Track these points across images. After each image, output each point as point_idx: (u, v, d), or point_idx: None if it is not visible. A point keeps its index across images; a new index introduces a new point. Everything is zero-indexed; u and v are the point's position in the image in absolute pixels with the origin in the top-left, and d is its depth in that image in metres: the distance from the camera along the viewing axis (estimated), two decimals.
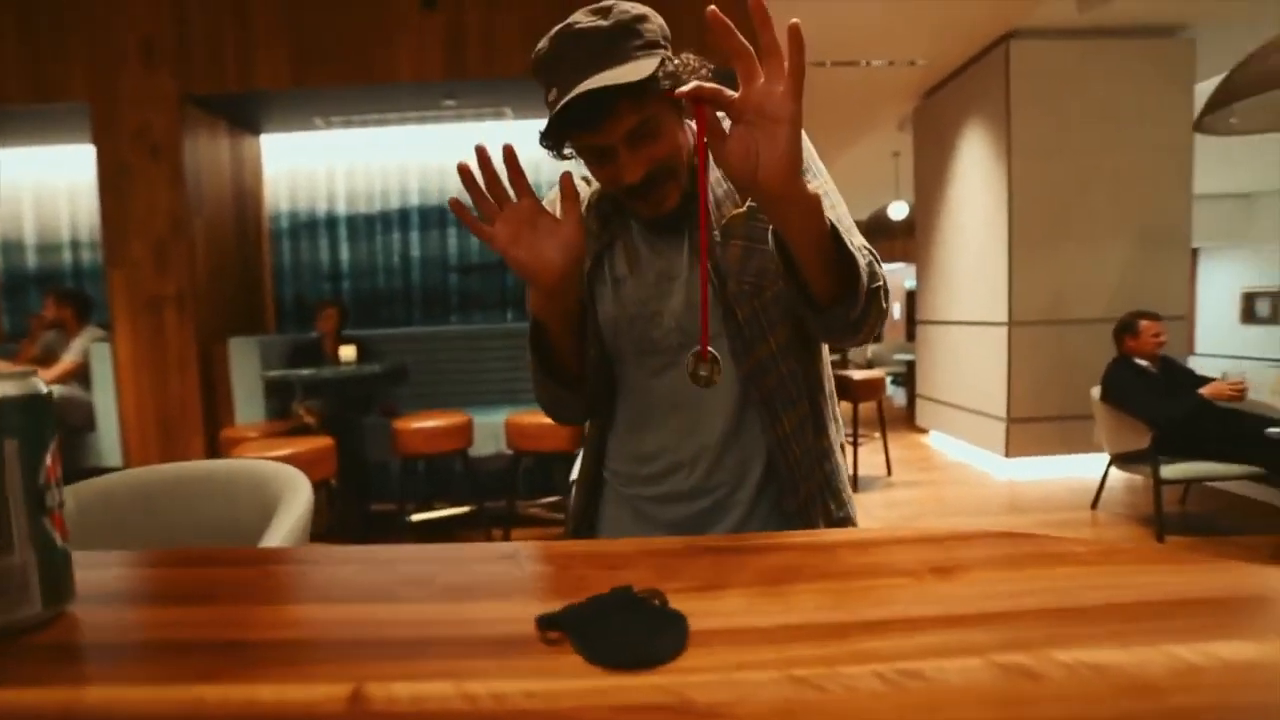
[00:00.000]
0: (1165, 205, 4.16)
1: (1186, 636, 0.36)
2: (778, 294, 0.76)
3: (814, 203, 0.60)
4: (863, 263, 0.65)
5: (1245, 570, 0.44)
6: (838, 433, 0.85)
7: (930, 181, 5.18)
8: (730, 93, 0.56)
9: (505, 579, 0.49)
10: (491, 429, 3.19)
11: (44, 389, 0.43)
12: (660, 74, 0.68)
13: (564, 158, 0.77)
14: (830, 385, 0.85)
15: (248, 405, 3.28)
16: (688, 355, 0.68)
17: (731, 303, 0.76)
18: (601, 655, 0.36)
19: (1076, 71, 4.06)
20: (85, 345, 3.40)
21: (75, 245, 4.06)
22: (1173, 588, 0.43)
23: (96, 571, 0.52)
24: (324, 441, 2.64)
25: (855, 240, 0.68)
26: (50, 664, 0.38)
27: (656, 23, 0.73)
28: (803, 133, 0.77)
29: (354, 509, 3.14)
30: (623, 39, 0.69)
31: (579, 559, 0.51)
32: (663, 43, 0.72)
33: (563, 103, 0.66)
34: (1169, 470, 2.92)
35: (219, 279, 3.56)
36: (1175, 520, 3.30)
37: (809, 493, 0.79)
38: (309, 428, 3.04)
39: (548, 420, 3.03)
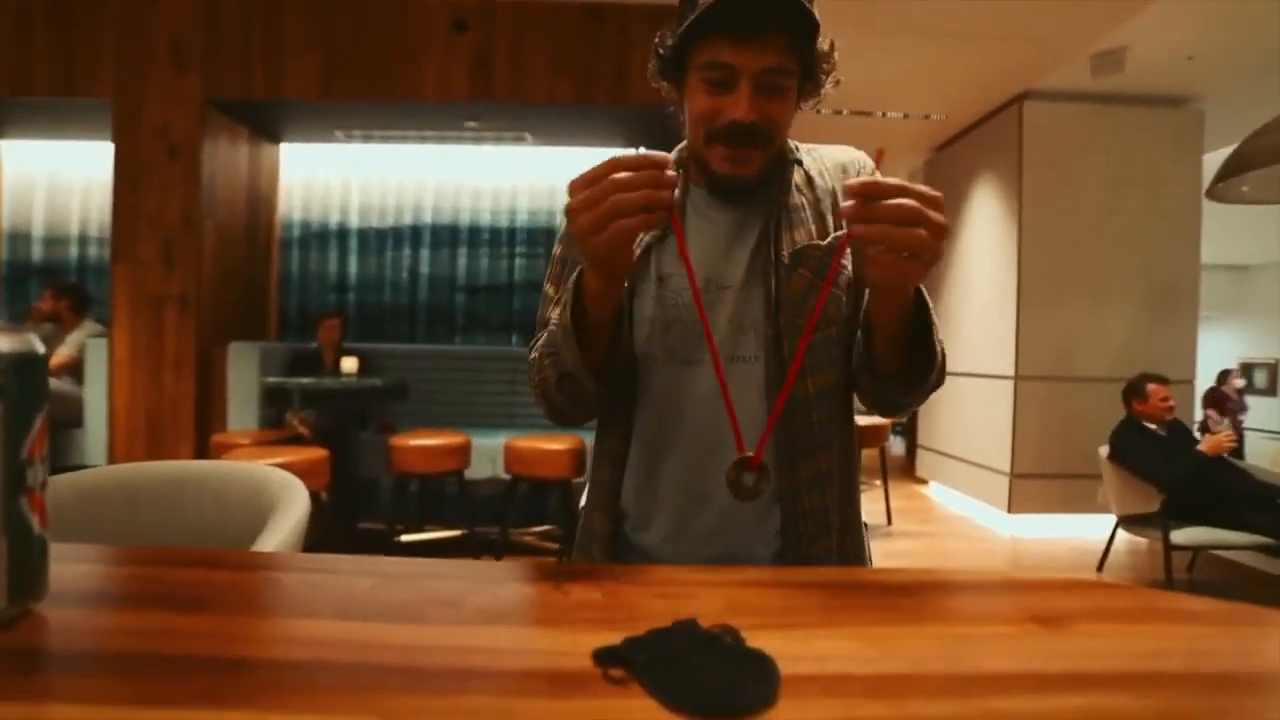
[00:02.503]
0: (1172, 270, 4.19)
1: None
2: (829, 338, 0.72)
3: (910, 293, 0.59)
4: (938, 358, 0.63)
5: None
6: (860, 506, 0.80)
7: None
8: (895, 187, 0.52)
9: (546, 603, 0.42)
10: (489, 451, 3.10)
11: (39, 348, 0.38)
12: (821, 35, 0.67)
13: (665, 77, 0.73)
14: (858, 456, 0.80)
15: (242, 412, 3.20)
16: (729, 466, 0.63)
17: (783, 331, 0.71)
18: (681, 700, 0.30)
19: (1088, 135, 4.12)
20: (81, 339, 3.33)
21: (83, 240, 4.02)
22: None
23: (73, 566, 0.46)
24: (318, 453, 2.55)
25: (938, 330, 0.65)
26: (9, 671, 0.32)
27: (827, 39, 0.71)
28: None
29: (341, 525, 3.03)
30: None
31: (628, 584, 0.45)
32: (827, 44, 0.71)
33: None
34: (1179, 535, 2.85)
35: (224, 283, 3.52)
36: (1183, 588, 3.20)
37: (820, 554, 0.71)
38: (302, 438, 2.96)
39: (547, 445, 2.94)
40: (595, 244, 0.55)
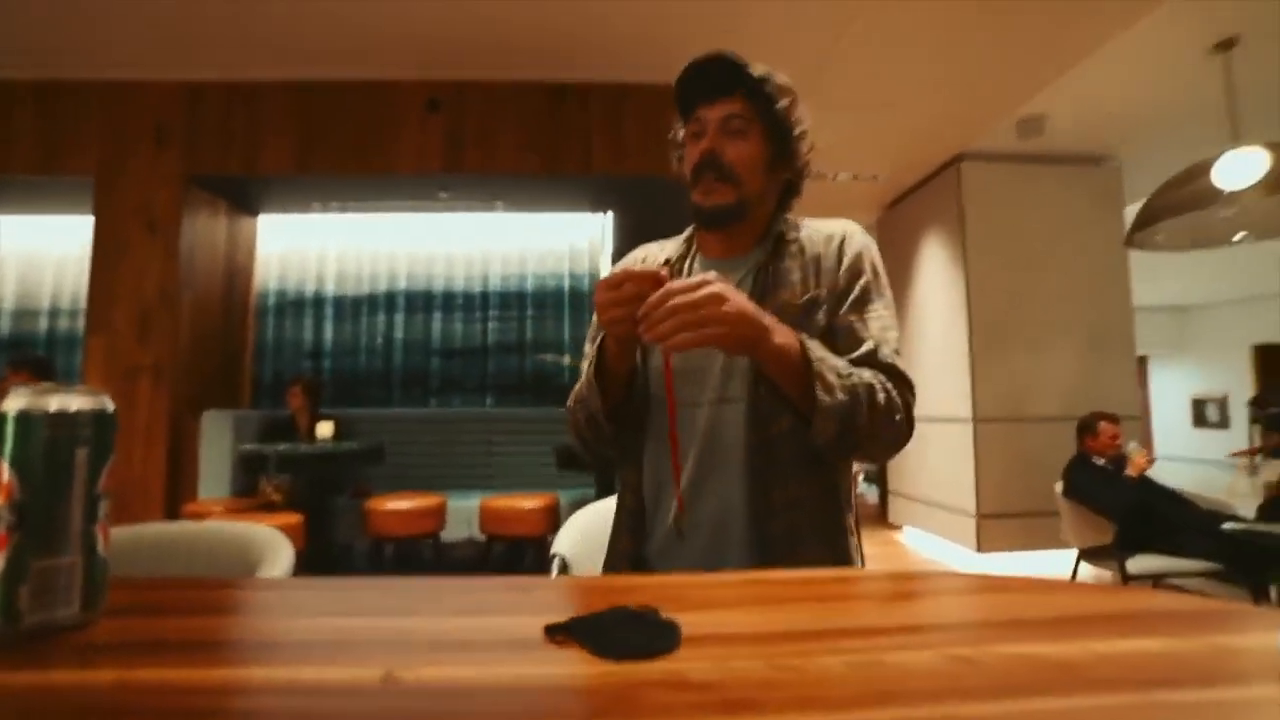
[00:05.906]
0: (1107, 314, 4.49)
1: (1098, 636, 0.43)
2: None
3: (773, 353, 0.73)
4: (829, 401, 0.73)
5: (1139, 593, 0.52)
6: (857, 546, 0.87)
7: (893, 285, 5.48)
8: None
9: (512, 602, 0.53)
10: (464, 513, 3.14)
11: (111, 407, 0.49)
12: (770, 89, 0.87)
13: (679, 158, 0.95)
14: (850, 499, 0.87)
15: (215, 480, 3.20)
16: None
17: (763, 378, 0.80)
18: (606, 651, 0.41)
19: (1020, 192, 4.49)
20: None
21: (54, 313, 4.05)
22: (1087, 606, 0.49)
23: (112, 592, 0.55)
24: (292, 518, 2.58)
25: (837, 380, 0.75)
26: (94, 654, 0.41)
27: (795, 104, 0.91)
28: (870, 250, 0.95)
29: None
30: (763, 76, 0.87)
31: (580, 589, 0.56)
32: (786, 104, 0.90)
33: (698, 59, 0.85)
34: (1133, 565, 2.99)
35: (200, 352, 3.57)
36: None
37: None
38: (275, 505, 2.97)
39: (522, 504, 2.98)
40: (616, 330, 0.73)
